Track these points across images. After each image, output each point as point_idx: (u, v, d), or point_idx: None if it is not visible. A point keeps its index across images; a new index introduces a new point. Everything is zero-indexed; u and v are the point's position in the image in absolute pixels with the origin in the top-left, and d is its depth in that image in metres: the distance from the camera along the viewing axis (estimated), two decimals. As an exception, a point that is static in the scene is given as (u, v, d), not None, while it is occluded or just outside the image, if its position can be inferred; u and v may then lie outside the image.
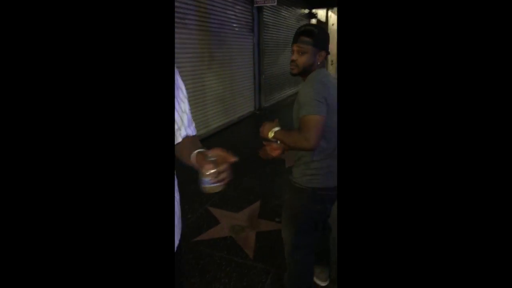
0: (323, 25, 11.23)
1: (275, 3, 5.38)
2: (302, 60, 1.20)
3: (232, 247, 1.91)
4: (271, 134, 1.21)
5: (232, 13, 4.86)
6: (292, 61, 1.22)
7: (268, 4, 5.48)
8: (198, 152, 0.78)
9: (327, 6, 10.54)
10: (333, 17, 12.74)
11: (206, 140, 4.17)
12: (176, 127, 0.83)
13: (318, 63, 1.22)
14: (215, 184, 0.70)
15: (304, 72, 1.22)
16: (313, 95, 1.11)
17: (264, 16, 5.85)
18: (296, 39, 1.22)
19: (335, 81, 1.19)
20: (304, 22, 8.80)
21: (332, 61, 13.30)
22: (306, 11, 8.86)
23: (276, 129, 1.21)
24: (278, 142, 1.22)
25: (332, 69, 13.14)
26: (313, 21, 9.74)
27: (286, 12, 7.09)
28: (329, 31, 12.22)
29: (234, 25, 4.94)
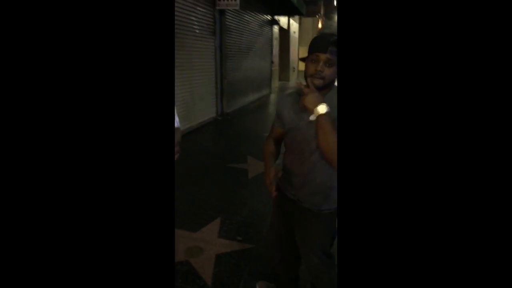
0: (284, 33, 11.40)
1: (238, 7, 5.26)
2: (329, 72, 1.03)
3: (189, 273, 1.71)
4: (318, 110, 0.98)
5: (193, 15, 4.65)
6: (318, 71, 1.03)
7: (230, 8, 5.36)
8: None
9: (289, 14, 10.72)
10: (294, 25, 13.02)
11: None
12: None
13: (336, 79, 1.06)
14: None
15: (328, 86, 1.07)
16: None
17: (226, 19, 5.71)
18: (325, 48, 1.02)
19: None
20: (267, 28, 8.83)
21: (293, 68, 13.57)
22: (269, 17, 8.90)
23: (325, 108, 0.98)
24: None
25: (293, 76, 13.41)
26: (275, 28, 9.83)
27: (249, 17, 7.03)
28: (290, 39, 12.49)
29: (195, 27, 4.73)
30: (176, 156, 1.12)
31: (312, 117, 1.02)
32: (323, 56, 1.02)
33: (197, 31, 4.80)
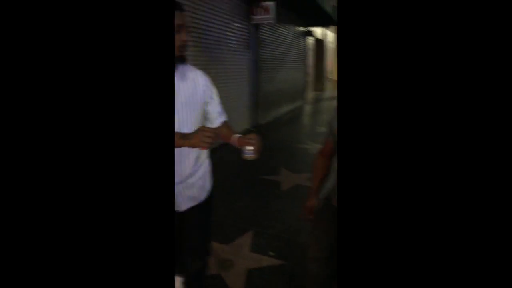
0: (320, 43, 11.33)
1: (273, 21, 5.34)
2: None
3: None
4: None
5: (229, 30, 4.80)
6: None
7: (265, 22, 5.45)
8: (239, 136, 1.11)
9: (324, 25, 10.65)
10: (330, 35, 12.90)
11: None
12: (214, 116, 1.22)
13: None
14: (252, 154, 1.04)
15: None
16: None
17: (261, 33, 5.82)
18: None
19: None
20: (302, 40, 8.84)
21: (329, 78, 13.38)
22: (304, 29, 8.91)
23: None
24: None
25: (328, 86, 13.20)
26: (310, 39, 9.80)
27: (283, 30, 7.10)
28: (325, 49, 12.37)
29: (230, 42, 4.87)
30: (259, 152, 1.05)
31: None
32: None
33: (232, 46, 4.94)
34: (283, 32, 7.12)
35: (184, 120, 1.13)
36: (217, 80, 4.90)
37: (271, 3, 5.22)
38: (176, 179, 1.16)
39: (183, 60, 1.11)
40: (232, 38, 4.91)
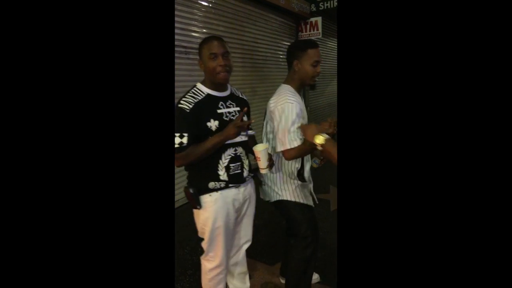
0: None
1: (320, 36, 5.30)
2: None
3: (263, 310, 1.65)
4: (318, 139, 1.10)
5: (279, 49, 4.89)
6: None
7: (313, 37, 5.44)
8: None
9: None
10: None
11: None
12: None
13: None
14: (318, 164, 1.42)
15: None
16: None
17: (309, 48, 5.80)
18: None
19: None
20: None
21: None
22: (355, 41, 8.67)
23: (325, 136, 1.10)
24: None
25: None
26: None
27: (332, 43, 6.99)
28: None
29: (279, 59, 4.95)
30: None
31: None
32: None
33: (281, 63, 5.01)
34: (331, 46, 7.01)
35: None
36: (266, 97, 4.99)
37: (318, 18, 5.20)
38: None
39: (314, 86, 1.47)
40: (281, 56, 4.98)
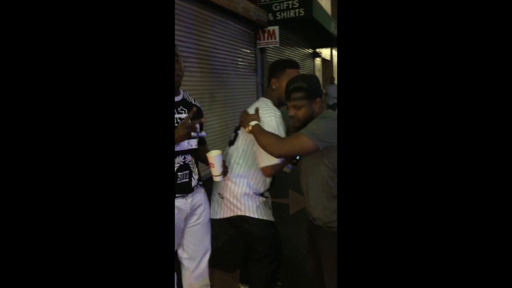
0: (327, 64, 11.45)
1: (278, 44, 5.46)
2: (301, 114, 1.20)
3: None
4: (249, 126, 1.26)
5: (237, 55, 4.92)
6: (292, 116, 1.23)
7: (271, 46, 5.58)
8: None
9: (331, 45, 10.81)
10: (336, 55, 13.04)
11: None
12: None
13: (317, 110, 1.21)
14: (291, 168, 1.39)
15: (309, 121, 1.20)
16: (323, 128, 1.11)
17: (267, 56, 5.93)
18: (288, 96, 1.22)
19: None
20: (309, 61, 8.96)
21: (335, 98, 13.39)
22: (310, 50, 9.06)
23: (255, 123, 1.26)
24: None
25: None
26: (318, 60, 9.93)
27: (289, 52, 7.23)
28: (334, 69, 12.48)
29: (237, 66, 4.98)
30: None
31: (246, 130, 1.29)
32: (290, 104, 1.21)
33: (240, 69, 5.05)
34: (289, 54, 7.25)
35: None
36: (225, 103, 5.01)
37: (275, 27, 5.36)
38: None
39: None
40: (239, 62, 5.03)
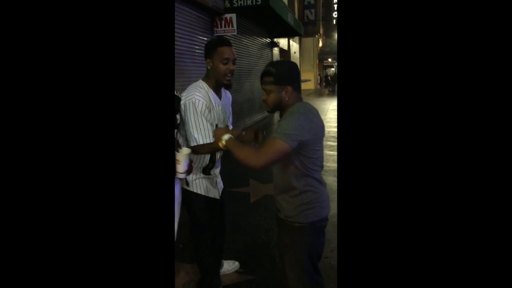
0: (285, 54, 11.62)
1: (235, 32, 5.39)
2: (271, 99, 1.21)
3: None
4: (222, 141, 1.23)
5: (194, 43, 4.77)
6: (264, 100, 1.25)
7: (228, 34, 5.49)
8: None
9: (288, 36, 10.96)
10: (294, 45, 13.28)
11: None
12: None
13: (287, 98, 1.20)
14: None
15: (281, 108, 1.23)
16: (294, 126, 1.10)
17: (225, 45, 5.83)
18: (261, 80, 1.24)
19: (316, 111, 1.22)
20: (267, 50, 9.00)
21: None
22: (268, 40, 9.09)
23: (227, 136, 1.23)
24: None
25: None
26: (275, 49, 10.02)
27: (247, 41, 7.19)
28: (291, 59, 12.79)
29: (194, 54, 4.83)
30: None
31: (221, 145, 1.25)
32: (262, 87, 1.23)
33: (196, 58, 4.90)
34: (247, 43, 7.21)
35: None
36: (182, 91, 4.85)
37: (232, 15, 5.27)
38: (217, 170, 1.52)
39: (229, 86, 1.47)
40: (196, 50, 4.88)
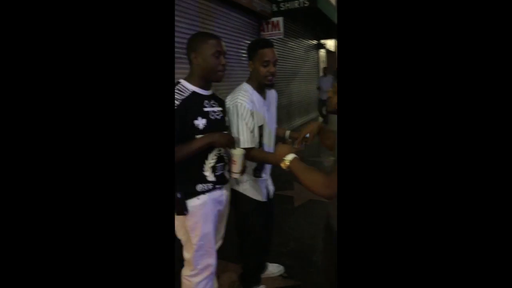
0: (332, 55, 11.32)
1: (282, 36, 5.40)
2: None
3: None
4: (286, 161, 1.03)
5: (238, 46, 4.88)
6: (328, 98, 1.25)
7: (274, 37, 5.52)
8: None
9: (336, 36, 10.66)
10: (341, 46, 12.86)
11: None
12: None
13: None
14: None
15: None
16: None
17: (271, 48, 5.87)
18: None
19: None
20: (313, 52, 8.86)
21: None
22: (315, 42, 8.95)
23: (292, 156, 1.03)
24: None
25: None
26: (322, 51, 9.82)
27: (293, 44, 7.15)
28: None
29: (241, 58, 4.94)
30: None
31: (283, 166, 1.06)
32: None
33: (243, 61, 5.01)
34: (292, 45, 7.18)
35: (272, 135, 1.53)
36: (228, 95, 4.98)
37: (279, 18, 5.29)
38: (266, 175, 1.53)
39: (271, 86, 1.47)
40: (243, 54, 4.99)
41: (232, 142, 1.25)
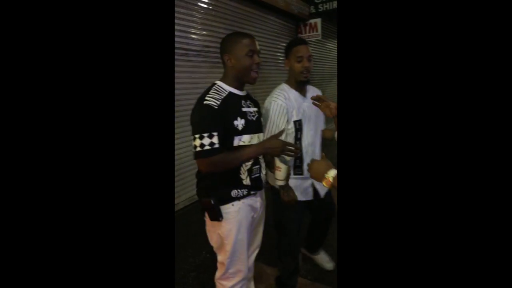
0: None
1: (320, 37, 5.31)
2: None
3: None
4: (328, 178, 0.94)
5: (276, 49, 4.88)
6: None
7: (312, 39, 5.44)
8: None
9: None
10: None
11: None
12: None
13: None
14: None
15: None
16: None
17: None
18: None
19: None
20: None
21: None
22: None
23: (334, 173, 0.95)
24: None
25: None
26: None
27: (331, 45, 7.00)
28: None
29: (278, 61, 4.94)
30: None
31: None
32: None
33: (281, 64, 5.00)
34: (330, 47, 7.02)
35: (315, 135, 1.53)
36: (265, 98, 5.00)
37: (317, 20, 5.21)
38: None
39: (307, 82, 1.49)
40: (280, 57, 4.99)
41: (286, 150, 1.16)
